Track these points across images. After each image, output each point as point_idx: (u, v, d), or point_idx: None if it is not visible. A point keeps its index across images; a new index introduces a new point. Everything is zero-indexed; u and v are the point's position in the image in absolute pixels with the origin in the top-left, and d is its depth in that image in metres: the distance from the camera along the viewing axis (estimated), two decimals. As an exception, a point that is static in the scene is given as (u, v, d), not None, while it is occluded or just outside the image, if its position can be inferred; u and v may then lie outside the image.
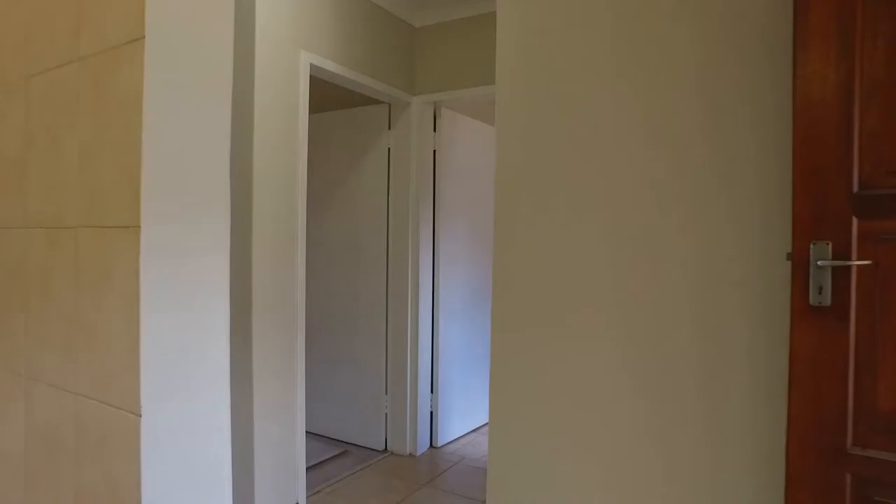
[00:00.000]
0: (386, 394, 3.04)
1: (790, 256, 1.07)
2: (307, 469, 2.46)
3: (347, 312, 3.15)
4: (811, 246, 1.03)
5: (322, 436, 3.22)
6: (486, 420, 3.54)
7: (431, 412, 3.13)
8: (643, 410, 1.43)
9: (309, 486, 2.47)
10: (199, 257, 1.09)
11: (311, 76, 2.34)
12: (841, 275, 1.01)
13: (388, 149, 3.00)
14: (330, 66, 2.39)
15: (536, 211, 1.61)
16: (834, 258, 1.02)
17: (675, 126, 1.39)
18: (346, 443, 3.14)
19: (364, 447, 3.09)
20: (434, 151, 3.09)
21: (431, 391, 3.12)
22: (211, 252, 1.11)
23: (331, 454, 2.93)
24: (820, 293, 1.02)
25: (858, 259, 1.00)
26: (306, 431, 3.25)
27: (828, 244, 1.02)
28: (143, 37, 1.00)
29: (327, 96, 3.25)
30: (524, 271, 1.63)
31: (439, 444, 3.14)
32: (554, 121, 1.57)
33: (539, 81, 1.60)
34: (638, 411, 1.44)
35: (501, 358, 1.67)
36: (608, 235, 1.49)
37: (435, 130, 3.08)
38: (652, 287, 1.43)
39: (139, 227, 1.01)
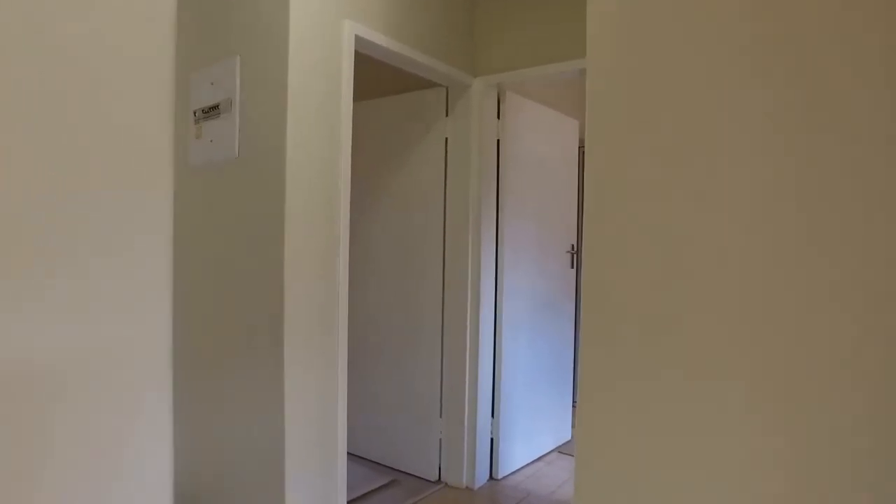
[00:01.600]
0: (440, 416, 2.68)
1: None
2: (350, 502, 2.14)
3: (397, 324, 2.81)
4: None
5: (367, 459, 2.90)
6: (552, 447, 3.12)
7: (492, 438, 2.75)
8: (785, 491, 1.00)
9: (351, 527, 2.14)
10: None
11: (356, 52, 2.00)
12: None
13: (446, 139, 2.64)
14: (379, 39, 2.04)
15: (642, 201, 1.20)
16: None
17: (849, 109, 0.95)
18: (395, 470, 2.80)
19: (415, 476, 2.74)
20: (498, 141, 2.70)
21: (492, 414, 2.74)
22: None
23: (377, 484, 2.60)
24: None
25: None
26: (350, 454, 2.97)
27: None
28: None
29: (375, 81, 2.92)
30: (627, 273, 1.21)
31: (500, 476, 2.75)
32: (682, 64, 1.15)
33: (650, 52, 1.18)
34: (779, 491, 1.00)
35: (594, 380, 1.26)
36: (748, 235, 1.05)
37: (499, 117, 2.69)
38: (806, 302, 0.98)
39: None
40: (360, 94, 2.80)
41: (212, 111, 1.86)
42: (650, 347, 1.19)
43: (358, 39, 1.97)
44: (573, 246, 3.26)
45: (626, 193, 1.23)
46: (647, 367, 1.19)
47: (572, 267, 3.27)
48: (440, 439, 2.69)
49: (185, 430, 2.03)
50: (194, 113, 1.93)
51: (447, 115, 2.64)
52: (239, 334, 1.83)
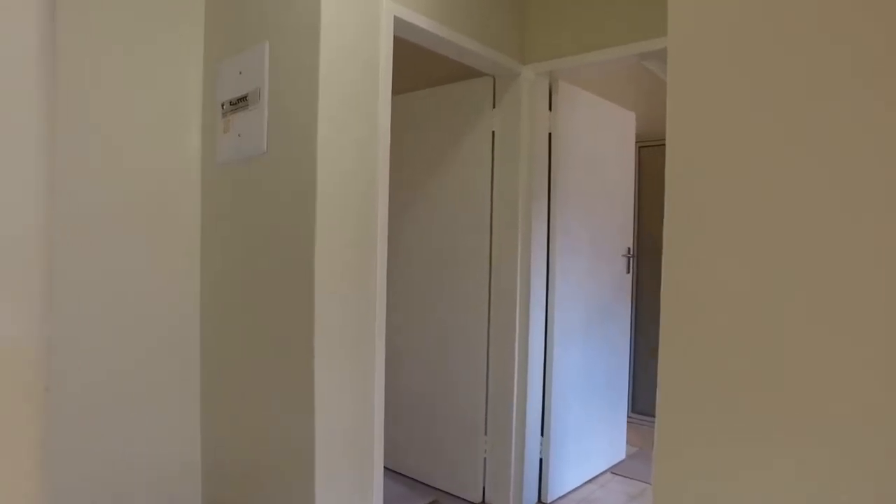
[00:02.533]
0: (485, 433, 2.48)
1: None
2: (386, 529, 1.97)
3: (439, 331, 2.62)
4: None
5: (406, 476, 2.73)
6: (605, 468, 2.87)
7: (540, 459, 2.52)
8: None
9: (387, 555, 1.96)
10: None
11: (395, 37, 1.82)
12: None
13: (492, 133, 2.43)
14: (421, 21, 1.86)
15: (735, 199, 0.97)
16: None
17: None
18: (435, 489, 2.61)
19: (456, 496, 2.55)
20: (549, 135, 2.48)
21: (542, 432, 2.51)
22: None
23: (416, 503, 2.42)
24: None
25: None
26: (388, 469, 2.79)
27: None
28: None
29: (414, 71, 2.74)
30: (719, 282, 0.99)
31: (549, 500, 2.52)
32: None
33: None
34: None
35: (675, 403, 1.04)
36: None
37: (551, 109, 2.47)
38: None
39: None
40: (398, 87, 2.62)
41: (240, 103, 1.72)
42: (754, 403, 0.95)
43: (397, 22, 1.79)
44: (629, 249, 3.00)
45: (716, 197, 1.00)
46: (749, 427, 0.95)
47: (628, 272, 3.00)
48: (484, 458, 2.49)
49: (210, 441, 1.90)
50: (222, 105, 1.80)
51: (494, 106, 2.43)
52: (265, 341, 1.68)
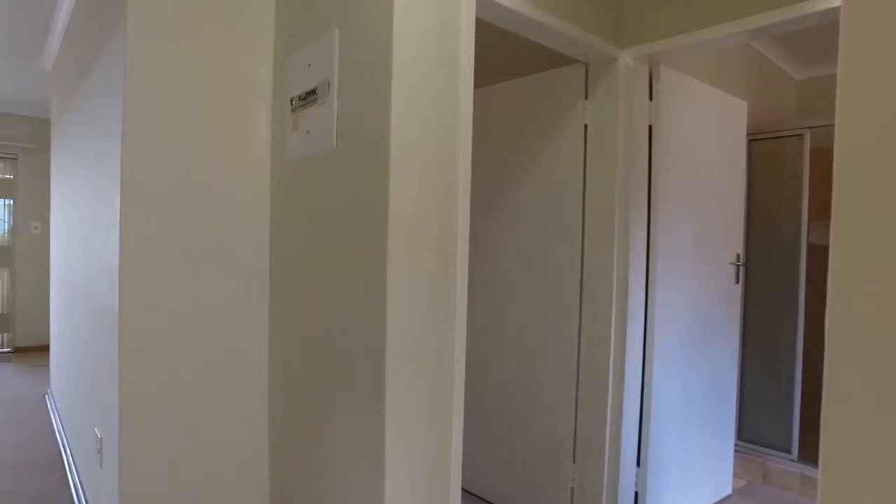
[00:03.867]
0: (574, 461, 2.22)
1: None
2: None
3: (524, 347, 2.39)
4: None
5: (481, 498, 2.52)
6: (709, 503, 2.53)
7: (636, 492, 2.24)
8: None
9: None
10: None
11: (477, 19, 1.62)
12: None
13: (585, 126, 2.18)
14: (505, 0, 1.65)
15: None
16: None
17: None
18: (518, 518, 2.39)
19: (541, 529, 2.31)
20: (650, 128, 2.19)
21: (637, 462, 2.23)
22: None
23: (497, 536, 2.21)
24: None
25: None
26: (466, 491, 2.59)
27: None
28: None
29: (497, 61, 2.53)
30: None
31: (647, 539, 2.23)
32: None
33: None
34: None
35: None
36: None
37: (651, 98, 2.18)
38: None
39: None
40: (478, 79, 2.42)
41: (309, 97, 1.58)
42: None
43: (479, 3, 1.59)
44: (739, 256, 2.64)
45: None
46: None
47: (737, 282, 2.64)
48: (572, 487, 2.23)
49: (279, 459, 1.78)
50: (291, 101, 1.67)
51: (587, 97, 2.17)
52: (333, 353, 1.52)
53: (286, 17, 1.74)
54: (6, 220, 5.66)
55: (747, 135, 2.74)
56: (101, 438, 1.89)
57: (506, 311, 2.46)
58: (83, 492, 2.31)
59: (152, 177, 1.57)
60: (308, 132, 1.59)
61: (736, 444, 2.82)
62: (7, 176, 5.60)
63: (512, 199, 2.43)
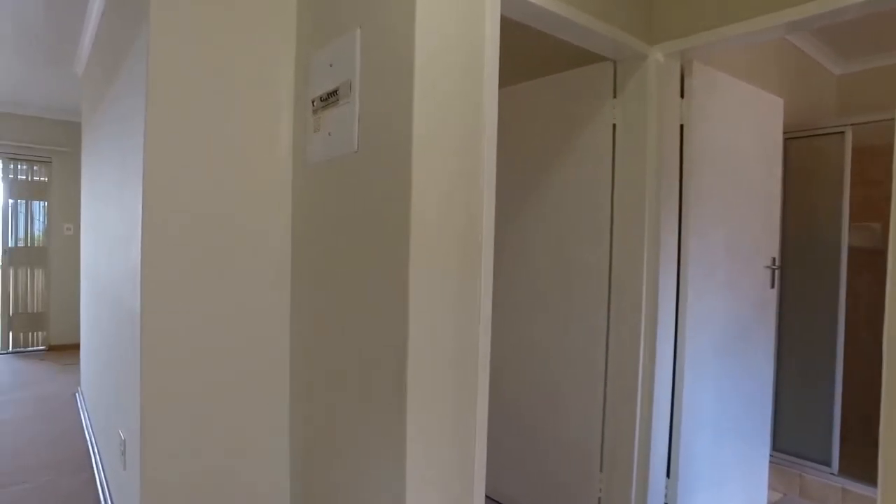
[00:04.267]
0: (601, 470, 2.16)
1: None
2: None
3: (549, 352, 2.34)
4: None
5: (511, 508, 2.47)
6: (746, 518, 2.44)
7: (666, 503, 2.16)
8: None
9: None
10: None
11: (501, 17, 1.58)
12: None
13: (613, 125, 2.11)
14: (531, -4, 1.60)
15: None
16: None
17: None
18: (543, 528, 2.33)
19: (567, 540, 2.25)
20: (682, 127, 2.11)
21: (668, 473, 2.15)
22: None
23: (521, 546, 2.15)
24: None
25: None
26: (489, 498, 2.54)
27: None
28: None
29: (522, 60, 2.47)
30: None
31: (677, 554, 2.15)
32: None
33: None
34: None
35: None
36: None
37: (683, 96, 2.11)
38: None
39: None
40: (503, 79, 2.37)
41: (330, 98, 1.56)
42: None
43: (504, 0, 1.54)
44: (774, 259, 2.53)
45: None
46: None
47: (773, 286, 2.54)
48: (599, 497, 2.17)
49: (300, 464, 1.76)
50: (312, 102, 1.65)
51: (615, 96, 2.11)
52: (354, 356, 1.49)
53: (308, 16, 1.72)
54: (41, 221, 5.81)
55: (784, 133, 2.64)
56: (124, 440, 1.90)
57: (530, 314, 2.40)
58: (109, 492, 2.33)
59: (174, 179, 1.57)
60: (329, 134, 1.56)
61: (771, 455, 2.72)
62: (42, 178, 5.75)
63: (538, 201, 2.38)
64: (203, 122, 1.61)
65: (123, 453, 1.92)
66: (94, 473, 2.76)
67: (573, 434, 2.24)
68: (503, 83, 2.40)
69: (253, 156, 1.71)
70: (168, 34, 1.55)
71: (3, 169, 5.67)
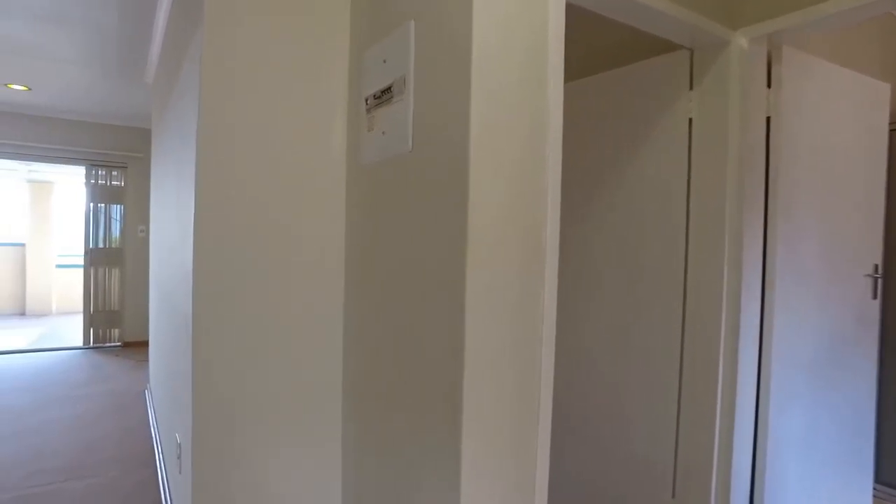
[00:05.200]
0: (673, 496, 1.97)
1: None
2: None
3: (617, 368, 2.17)
4: None
5: (573, 530, 2.31)
6: (841, 557, 2.17)
7: (749, 538, 1.95)
8: None
9: None
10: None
11: (567, 4, 1.45)
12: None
13: (689, 120, 1.93)
14: (601, -21, 1.46)
15: None
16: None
17: None
18: (609, 555, 2.17)
19: (635, 570, 2.08)
20: (768, 120, 1.90)
21: (751, 502, 1.94)
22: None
23: (585, 575, 2.00)
24: None
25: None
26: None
27: None
28: None
29: (588, 53, 2.32)
30: None
31: None
32: None
33: None
34: None
35: None
36: None
37: (770, 85, 1.90)
38: None
39: None
40: (567, 73, 2.23)
41: (384, 95, 1.47)
42: None
43: (571, -18, 1.41)
44: (876, 267, 2.26)
45: None
46: None
47: (875, 297, 2.26)
48: (672, 529, 1.98)
49: (352, 481, 1.69)
50: (366, 100, 1.57)
51: (691, 87, 1.92)
52: (408, 367, 1.40)
53: (362, 11, 1.65)
54: (118, 224, 6.12)
55: (890, 124, 2.35)
56: (179, 445, 1.90)
57: (591, 322, 2.25)
58: (169, 491, 2.36)
59: (225, 183, 1.53)
60: (383, 133, 1.48)
61: (874, 488, 2.42)
62: (118, 183, 6.05)
63: (604, 203, 2.22)
64: (256, 124, 1.57)
65: (179, 457, 1.91)
66: (156, 471, 2.82)
67: (641, 454, 2.06)
68: (566, 77, 2.26)
69: (306, 158, 1.65)
70: (221, 34, 1.52)
71: (85, 175, 6.01)
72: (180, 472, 1.90)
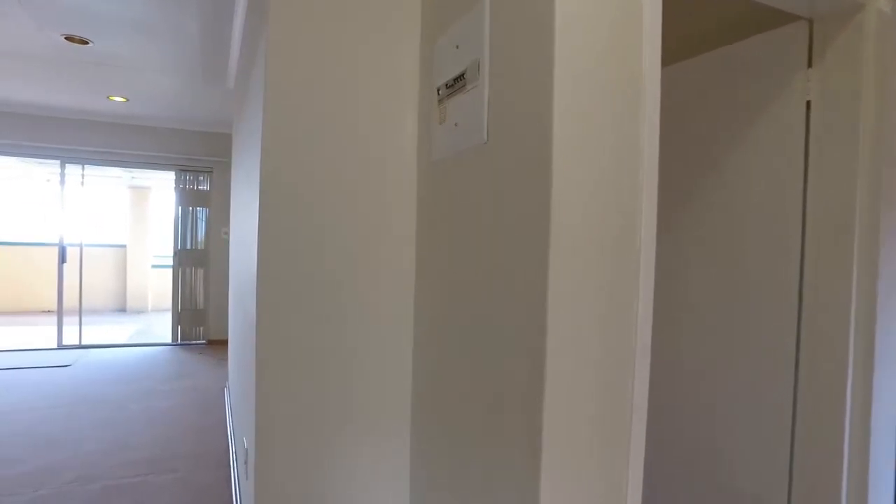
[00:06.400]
0: (785, 541, 1.71)
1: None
2: None
3: (711, 396, 1.92)
4: None
5: (663, 566, 2.08)
6: None
7: None
8: None
9: None
10: None
11: (668, -31, 1.26)
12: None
13: (807, 103, 1.67)
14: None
15: None
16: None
17: None
18: None
19: None
20: (911, 100, 1.60)
21: (882, 555, 1.64)
22: None
23: None
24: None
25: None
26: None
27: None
28: None
29: (684, 32, 2.09)
30: None
31: None
32: None
33: None
34: None
35: None
36: None
37: (913, 59, 1.60)
38: None
39: None
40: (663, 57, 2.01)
41: (456, 83, 1.35)
42: None
43: (673, -54, 1.22)
44: None
45: None
46: None
47: None
48: (783, 574, 1.72)
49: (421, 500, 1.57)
50: (437, 91, 1.45)
51: (810, 65, 1.66)
52: (480, 390, 1.26)
53: (433, -4, 1.53)
54: (203, 226, 6.40)
55: None
56: (246, 450, 1.86)
57: (687, 341, 2.01)
58: (240, 493, 2.35)
59: (291, 184, 1.46)
60: (456, 125, 1.36)
61: None
62: (204, 187, 6.33)
63: (698, 206, 1.98)
64: (323, 122, 1.49)
65: (246, 463, 1.87)
66: (230, 471, 2.85)
67: (746, 490, 1.81)
68: (666, 62, 2.04)
69: (375, 155, 1.56)
70: (286, 31, 1.45)
71: (175, 179, 6.33)
72: (247, 478, 1.86)
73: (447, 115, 1.40)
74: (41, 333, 6.77)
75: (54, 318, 6.35)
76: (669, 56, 2.06)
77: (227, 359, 5.45)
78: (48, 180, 9.16)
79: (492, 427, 1.22)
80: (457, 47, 1.35)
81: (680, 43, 2.10)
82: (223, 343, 6.23)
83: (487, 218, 1.25)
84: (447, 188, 1.42)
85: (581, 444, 1.10)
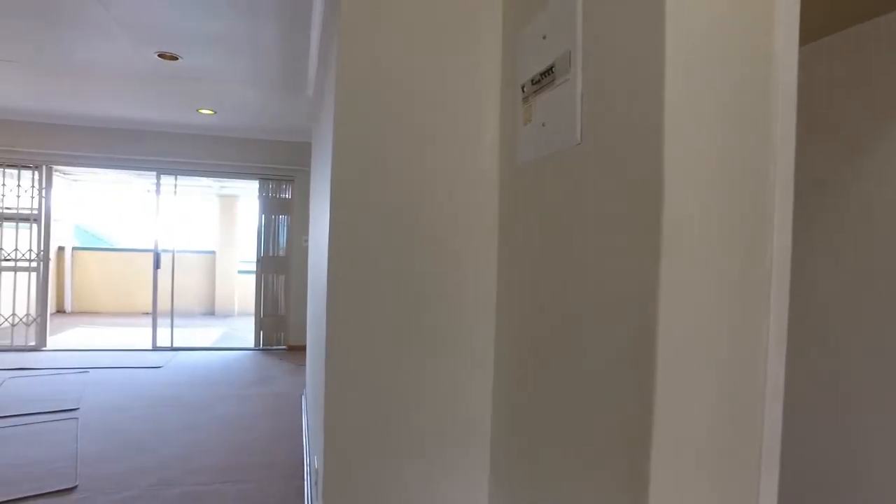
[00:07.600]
0: None
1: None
2: None
3: (843, 419, 1.64)
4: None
5: None
6: None
7: None
8: None
9: None
10: None
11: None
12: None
13: (974, 89, 1.37)
14: None
15: None
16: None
17: None
18: None
19: None
20: None
21: None
22: None
23: None
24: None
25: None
26: None
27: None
28: None
29: (813, 12, 1.82)
30: None
31: None
32: None
33: None
34: None
35: None
36: None
37: None
38: None
39: None
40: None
41: (544, 79, 1.20)
42: None
43: None
44: None
45: None
46: None
47: None
48: None
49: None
50: (522, 88, 1.31)
51: (978, 43, 1.37)
52: (572, 438, 1.10)
53: (517, -16, 1.39)
54: (285, 233, 6.58)
55: None
56: (317, 470, 1.78)
57: (819, 370, 1.73)
58: (312, 510, 2.29)
59: (363, 191, 1.36)
60: (543, 125, 1.21)
61: None
62: (285, 196, 6.51)
63: (832, 204, 1.70)
64: (397, 124, 1.38)
65: (317, 483, 1.80)
66: (303, 483, 2.82)
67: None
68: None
69: (453, 160, 1.44)
70: (358, 30, 1.36)
71: (259, 188, 6.56)
72: (317, 500, 1.78)
73: (533, 115, 1.26)
74: (138, 334, 7.22)
75: (150, 321, 6.75)
76: (805, 34, 1.80)
77: (305, 365, 5.55)
78: (148, 191, 9.84)
79: (589, 467, 1.05)
80: (544, 37, 1.21)
81: (818, 20, 1.83)
82: (302, 349, 6.36)
83: (580, 228, 1.08)
84: (535, 196, 1.27)
85: (696, 469, 0.91)
